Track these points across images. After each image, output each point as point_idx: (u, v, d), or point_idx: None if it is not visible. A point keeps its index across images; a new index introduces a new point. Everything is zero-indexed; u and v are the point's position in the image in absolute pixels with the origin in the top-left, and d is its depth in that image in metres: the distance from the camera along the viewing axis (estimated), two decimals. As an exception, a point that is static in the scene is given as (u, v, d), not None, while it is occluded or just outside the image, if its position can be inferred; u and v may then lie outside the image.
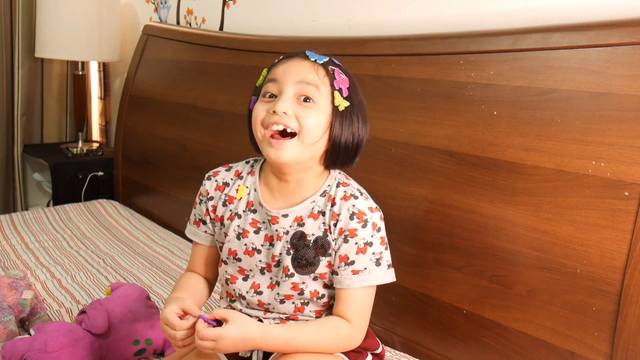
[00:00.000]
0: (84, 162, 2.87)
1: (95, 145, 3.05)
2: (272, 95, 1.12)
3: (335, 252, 1.14)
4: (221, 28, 2.45)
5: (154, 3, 2.82)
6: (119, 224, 2.43)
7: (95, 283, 1.86)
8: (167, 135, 2.50)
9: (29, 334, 1.39)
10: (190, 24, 2.62)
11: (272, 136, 1.09)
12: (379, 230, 1.15)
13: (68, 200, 2.79)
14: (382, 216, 1.16)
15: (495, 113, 1.43)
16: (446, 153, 1.51)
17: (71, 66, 3.09)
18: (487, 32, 1.50)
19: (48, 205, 2.99)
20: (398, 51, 1.68)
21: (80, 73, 2.98)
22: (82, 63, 2.99)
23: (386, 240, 1.16)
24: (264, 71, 1.19)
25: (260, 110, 1.12)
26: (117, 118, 2.81)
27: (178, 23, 2.69)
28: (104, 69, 3.22)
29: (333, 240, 1.14)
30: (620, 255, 1.20)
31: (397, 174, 1.63)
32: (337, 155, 1.15)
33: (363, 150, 1.18)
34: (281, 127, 1.08)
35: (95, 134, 3.36)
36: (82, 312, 1.46)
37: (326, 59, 1.15)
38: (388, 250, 1.17)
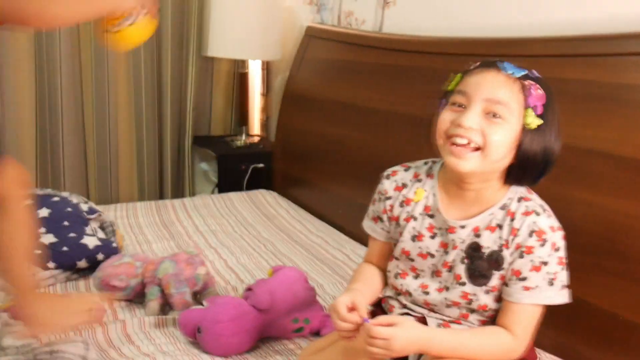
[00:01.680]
0: (246, 154, 3.08)
1: (256, 139, 3.25)
2: (461, 105, 1.12)
3: (509, 265, 1.14)
4: (380, 29, 2.53)
5: (316, 5, 2.96)
6: (278, 213, 2.59)
7: (258, 265, 2.02)
8: (324, 131, 2.62)
9: (202, 305, 1.55)
10: (350, 25, 2.72)
11: (453, 144, 1.10)
12: (557, 250, 1.13)
13: (231, 189, 3.00)
14: (565, 235, 1.14)
15: (661, 116, 1.39)
16: (609, 157, 1.49)
17: (237, 64, 3.31)
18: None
19: (213, 192, 3.22)
20: (560, 52, 1.67)
21: (245, 71, 3.19)
22: (247, 62, 3.19)
23: (564, 260, 1.14)
24: (457, 77, 1.18)
25: (445, 119, 1.13)
26: (279, 113, 2.97)
27: (338, 24, 2.80)
28: (266, 67, 3.42)
29: (509, 255, 1.14)
30: None
31: (557, 177, 1.60)
32: (523, 173, 1.14)
33: (552, 168, 1.16)
34: (465, 142, 1.09)
35: (256, 128, 3.57)
36: (248, 289, 1.60)
37: (523, 72, 1.12)
38: (565, 271, 1.14)
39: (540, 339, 1.61)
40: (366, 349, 1.09)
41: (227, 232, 2.34)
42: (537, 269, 1.12)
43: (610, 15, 1.64)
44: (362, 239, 2.25)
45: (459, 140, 1.09)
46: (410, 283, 1.25)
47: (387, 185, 1.29)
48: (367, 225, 1.37)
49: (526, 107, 1.09)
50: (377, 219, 1.32)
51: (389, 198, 1.28)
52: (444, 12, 2.20)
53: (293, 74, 2.89)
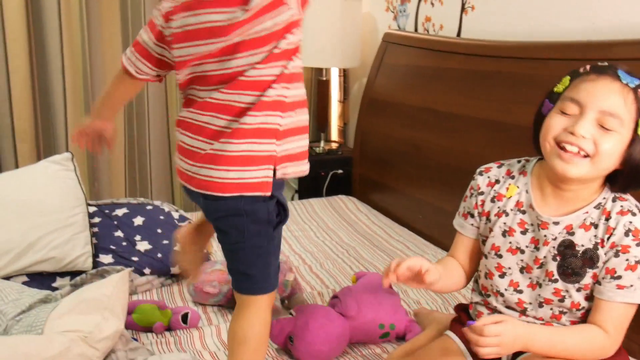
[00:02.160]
0: (325, 160, 3.13)
1: (335, 145, 3.30)
2: (572, 112, 1.11)
3: (604, 264, 1.15)
4: (459, 34, 2.53)
5: (393, 12, 2.99)
6: (358, 218, 2.63)
7: (341, 271, 2.06)
8: (402, 136, 2.65)
9: (290, 314, 1.60)
10: (428, 31, 2.74)
11: (563, 148, 1.10)
12: None
13: (311, 195, 3.06)
14: None
15: None
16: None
17: (316, 72, 3.37)
18: None
19: (292, 198, 3.29)
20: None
21: (324, 79, 3.24)
22: (326, 69, 3.25)
23: None
24: (566, 79, 1.17)
25: (555, 124, 1.13)
26: (357, 119, 3.02)
27: (416, 30, 2.82)
28: (344, 74, 3.47)
29: (604, 254, 1.14)
30: None
31: None
32: (631, 181, 1.14)
33: None
34: (575, 150, 1.09)
35: (334, 135, 3.63)
36: (334, 297, 1.64)
37: (638, 81, 1.10)
38: None
39: (627, 344, 1.60)
40: (477, 350, 1.11)
41: (309, 237, 2.39)
42: (632, 268, 1.12)
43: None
44: (442, 243, 2.27)
45: (569, 147, 1.09)
46: (498, 283, 1.25)
47: (479, 180, 1.31)
48: (457, 222, 1.38)
49: (638, 117, 1.09)
50: (468, 214, 1.33)
51: (481, 193, 1.30)
52: (524, 16, 2.19)
53: (371, 80, 2.93)
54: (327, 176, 3.10)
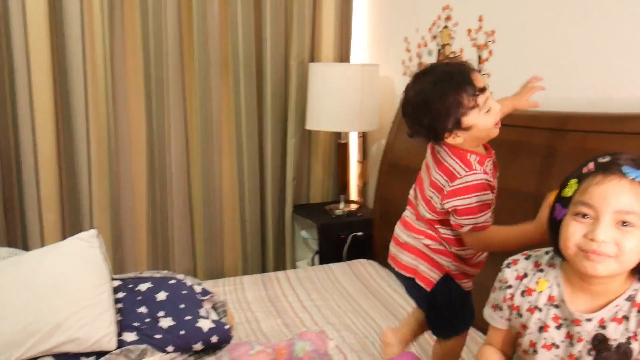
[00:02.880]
0: (345, 222, 3.15)
1: (354, 207, 3.32)
2: (586, 216, 1.12)
3: (638, 354, 1.15)
4: (475, 101, 2.56)
5: (410, 76, 3.02)
6: (379, 285, 2.63)
7: (364, 347, 2.05)
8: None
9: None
10: (445, 97, 2.77)
11: (587, 252, 1.11)
12: None
13: (331, 257, 3.07)
14: None
15: None
16: None
17: (334, 135, 3.41)
18: None
19: (312, 260, 3.30)
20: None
21: (343, 141, 3.28)
22: (344, 132, 3.29)
23: None
24: (573, 182, 1.18)
25: (575, 232, 1.13)
26: (377, 183, 3.03)
27: (433, 95, 2.85)
28: (363, 135, 3.50)
29: (638, 346, 1.15)
30: None
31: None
32: None
33: None
34: (601, 257, 1.10)
35: (353, 194, 3.65)
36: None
37: None
38: None
39: None
40: None
41: (330, 307, 2.39)
42: None
43: None
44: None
45: (593, 256, 1.10)
46: None
47: (507, 273, 1.31)
48: (487, 313, 1.39)
49: None
50: (497, 307, 1.35)
51: (509, 287, 1.30)
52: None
53: (390, 142, 2.95)
54: (347, 238, 3.10)
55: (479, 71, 1.54)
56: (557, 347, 1.23)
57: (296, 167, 3.37)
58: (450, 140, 1.55)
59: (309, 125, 3.15)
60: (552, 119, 2.04)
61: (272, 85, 3.24)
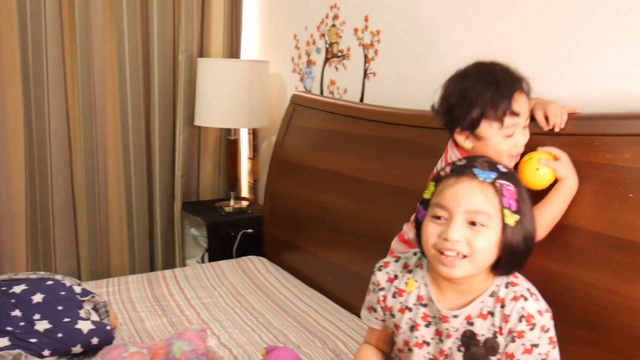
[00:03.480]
0: (235, 220, 3.12)
1: (245, 204, 3.30)
2: (441, 217, 1.17)
3: (504, 349, 1.20)
4: (362, 99, 2.61)
5: (299, 73, 3.05)
6: (268, 281, 2.62)
7: (250, 341, 2.04)
8: (312, 198, 2.68)
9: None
10: (333, 94, 2.80)
11: (442, 253, 1.16)
12: (547, 331, 1.19)
13: (221, 254, 3.03)
14: (552, 315, 1.21)
15: (631, 195, 1.46)
16: (585, 232, 1.55)
17: (224, 131, 3.37)
18: (622, 115, 1.54)
19: (202, 258, 3.26)
20: (536, 130, 1.73)
21: (233, 138, 3.25)
22: (234, 129, 3.26)
23: (555, 339, 1.21)
24: (431, 185, 1.23)
25: (431, 233, 1.18)
26: (267, 180, 3.03)
27: (321, 93, 2.88)
28: (253, 132, 3.49)
29: (503, 340, 1.19)
30: None
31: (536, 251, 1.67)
32: (510, 264, 1.20)
33: (532, 250, 1.23)
34: (454, 254, 1.14)
35: (244, 191, 3.63)
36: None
37: (494, 174, 1.17)
38: (556, 349, 1.21)
39: None
40: None
41: (218, 304, 2.36)
42: (529, 351, 1.18)
43: (581, 97, 1.72)
44: (352, 307, 2.29)
45: (447, 252, 1.15)
46: None
47: (379, 276, 1.35)
48: (364, 314, 1.43)
49: (502, 208, 1.15)
50: (371, 309, 1.38)
51: (382, 289, 1.34)
52: (421, 86, 2.28)
53: (280, 140, 2.96)
54: (237, 236, 3.08)
55: (528, 96, 1.50)
56: (428, 344, 1.27)
57: (185, 164, 3.31)
58: (459, 138, 1.50)
59: (198, 122, 3.10)
60: (432, 118, 2.11)
61: (160, 80, 3.17)
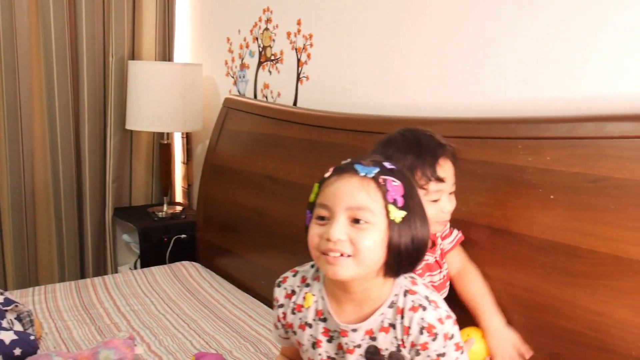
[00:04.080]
0: (168, 225, 3.08)
1: (178, 209, 3.26)
2: (324, 218, 1.11)
3: None
4: (295, 103, 2.61)
5: (232, 77, 3.03)
6: (201, 287, 2.59)
7: (181, 347, 2.01)
8: (245, 202, 2.66)
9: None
10: (266, 98, 2.80)
11: (327, 254, 1.10)
12: (451, 337, 1.14)
13: (154, 260, 2.98)
14: (455, 320, 1.17)
15: (552, 197, 1.50)
16: (507, 233, 1.59)
17: (157, 135, 3.32)
18: (544, 118, 1.59)
19: (135, 264, 3.19)
20: (459, 133, 1.77)
21: (166, 142, 3.21)
22: (168, 133, 3.21)
23: (461, 344, 1.17)
24: (315, 187, 1.18)
25: (314, 235, 1.13)
26: (200, 185, 3.00)
27: (255, 96, 2.87)
28: (187, 136, 3.45)
29: (407, 353, 1.15)
30: (675, 341, 1.25)
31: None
32: (398, 265, 1.13)
33: (425, 252, 1.17)
34: (338, 254, 1.08)
35: (179, 196, 3.58)
36: (171, 382, 1.61)
37: (376, 169, 1.12)
38: (464, 354, 1.17)
39: None
40: None
41: (149, 311, 2.32)
42: None
43: (504, 101, 1.77)
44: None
45: (331, 254, 1.09)
46: None
47: (277, 293, 1.30)
48: (274, 335, 1.39)
49: (387, 204, 1.10)
50: (275, 325, 1.35)
51: (281, 306, 1.30)
52: (353, 90, 2.31)
53: (213, 144, 2.93)
54: (170, 242, 3.04)
55: (456, 164, 1.49)
56: (334, 359, 1.23)
57: (117, 169, 3.25)
58: None
59: (130, 125, 3.04)
60: (362, 121, 2.13)
61: (90, 83, 3.09)
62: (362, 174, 1.11)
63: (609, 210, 1.39)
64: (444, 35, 1.94)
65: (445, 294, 1.57)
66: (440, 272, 1.57)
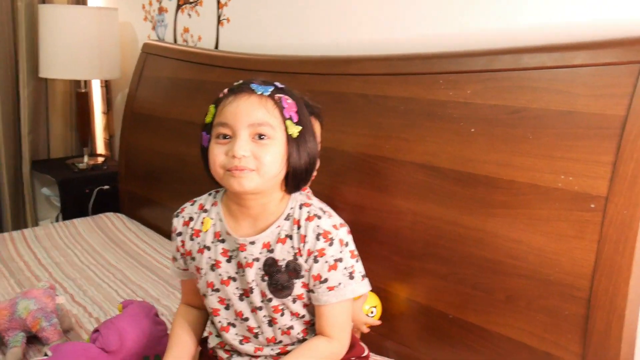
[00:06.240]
0: (90, 176, 2.99)
1: (100, 160, 3.16)
2: (226, 136, 1.14)
3: (308, 272, 1.19)
4: (217, 46, 2.55)
5: (151, 21, 2.92)
6: (126, 237, 2.54)
7: (107, 297, 1.97)
8: (167, 150, 2.60)
9: (46, 354, 1.49)
10: (187, 42, 2.71)
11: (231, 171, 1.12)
12: (347, 244, 1.19)
13: (76, 213, 2.90)
14: (349, 230, 1.21)
15: (472, 130, 1.52)
16: (429, 168, 1.61)
17: (74, 84, 3.19)
18: (463, 52, 1.60)
19: (57, 218, 3.10)
20: (382, 71, 1.77)
21: (83, 90, 3.08)
22: (85, 81, 3.09)
23: (356, 252, 1.21)
24: (211, 108, 1.21)
25: (218, 153, 1.14)
26: (120, 134, 2.91)
27: (175, 41, 2.78)
28: (106, 84, 3.32)
29: (304, 262, 1.18)
30: (588, 263, 1.30)
31: (383, 188, 1.72)
32: (298, 179, 1.19)
33: (315, 165, 1.23)
34: (243, 170, 1.11)
35: (100, 148, 3.47)
36: (96, 330, 1.56)
37: (271, 88, 1.17)
38: (359, 262, 1.22)
39: (382, 343, 1.73)
40: None
41: (72, 263, 2.26)
42: (333, 267, 1.18)
43: (423, 36, 1.77)
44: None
45: (237, 172, 1.11)
46: (227, 315, 1.27)
47: (175, 222, 1.30)
48: (172, 269, 1.38)
49: (284, 119, 1.15)
50: (174, 259, 1.34)
51: (179, 234, 1.30)
52: (275, 31, 2.26)
53: (132, 92, 2.84)
54: (92, 193, 2.95)
55: (322, 124, 1.53)
56: (235, 279, 1.24)
57: (32, 120, 3.11)
58: None
59: (43, 73, 2.90)
60: (285, 63, 2.10)
61: (-3, 29, 2.93)
62: (259, 92, 1.15)
63: (527, 140, 1.41)
64: (365, -28, 1.92)
65: None
66: None
